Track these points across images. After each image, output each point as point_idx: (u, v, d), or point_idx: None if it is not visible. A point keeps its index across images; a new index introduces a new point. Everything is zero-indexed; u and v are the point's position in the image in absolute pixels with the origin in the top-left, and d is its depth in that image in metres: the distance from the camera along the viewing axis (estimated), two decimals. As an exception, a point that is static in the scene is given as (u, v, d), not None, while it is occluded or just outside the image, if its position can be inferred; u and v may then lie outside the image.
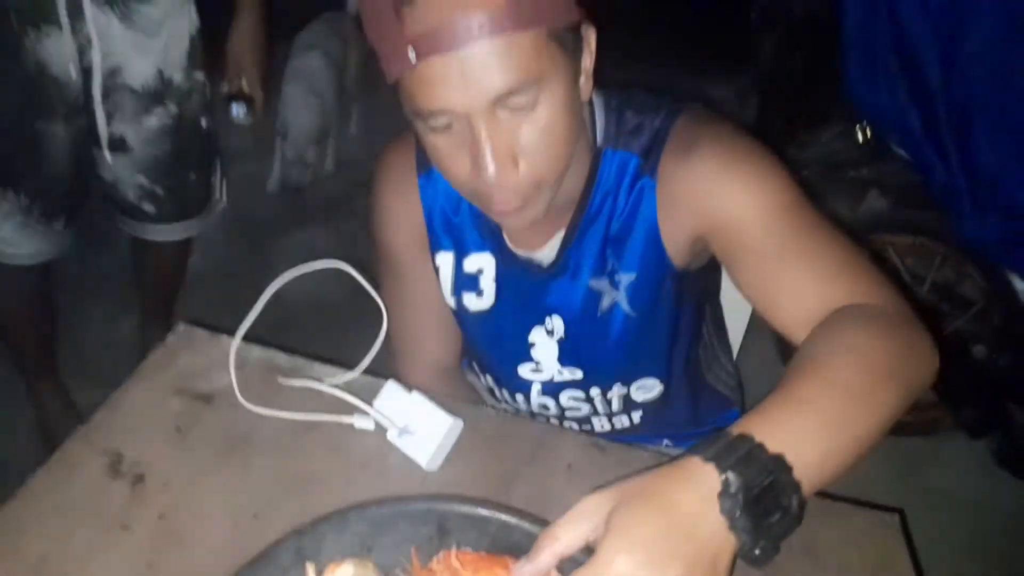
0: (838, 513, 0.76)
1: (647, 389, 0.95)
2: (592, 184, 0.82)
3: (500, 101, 0.64)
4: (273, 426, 0.78)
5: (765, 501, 0.50)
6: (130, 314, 1.98)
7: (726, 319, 1.11)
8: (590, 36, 0.72)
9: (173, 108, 1.45)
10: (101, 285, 2.21)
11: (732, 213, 0.75)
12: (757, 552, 0.50)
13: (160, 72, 1.41)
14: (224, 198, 1.68)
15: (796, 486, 0.51)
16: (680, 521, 0.49)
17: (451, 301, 0.93)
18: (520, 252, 0.87)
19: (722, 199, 0.75)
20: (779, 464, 0.51)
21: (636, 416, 0.98)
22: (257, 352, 0.87)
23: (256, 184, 2.89)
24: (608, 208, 0.82)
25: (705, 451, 0.52)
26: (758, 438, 0.52)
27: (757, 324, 1.19)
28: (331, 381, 0.82)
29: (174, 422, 0.78)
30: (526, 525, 0.62)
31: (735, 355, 1.17)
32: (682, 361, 0.96)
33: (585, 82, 0.73)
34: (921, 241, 1.88)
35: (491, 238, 0.88)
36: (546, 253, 0.86)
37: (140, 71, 1.39)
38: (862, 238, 1.96)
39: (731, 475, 0.49)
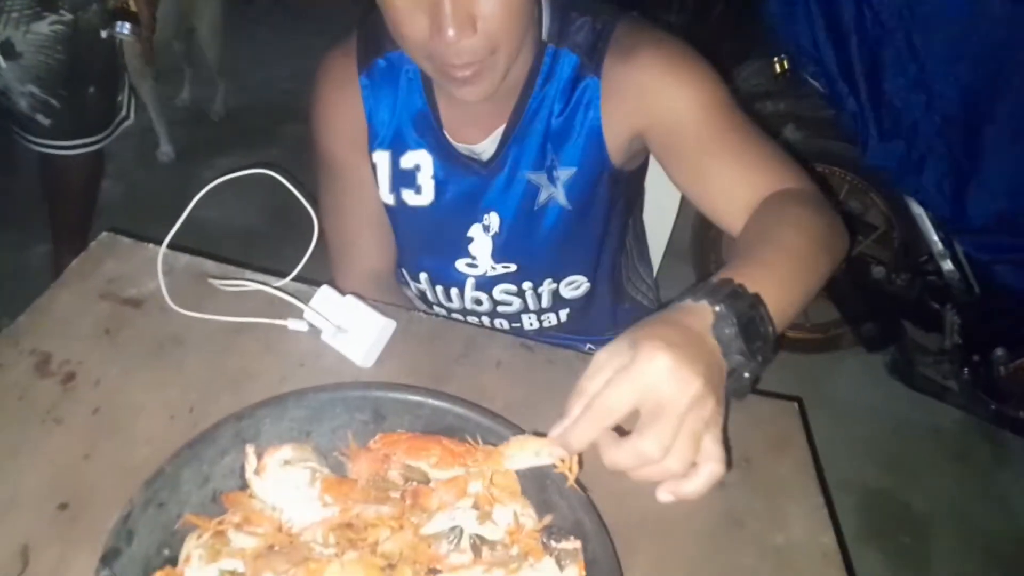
0: (744, 401, 0.82)
1: (575, 286, 1.00)
2: (535, 79, 0.85)
3: None
4: (205, 328, 0.79)
5: (750, 329, 0.57)
6: (42, 241, 1.89)
7: (650, 238, 1.16)
8: None
9: (67, 15, 1.38)
10: (9, 211, 2.10)
11: (672, 110, 0.81)
12: (746, 375, 0.58)
13: None
14: (132, 115, 1.61)
15: (771, 320, 0.60)
16: (693, 338, 0.56)
17: (389, 198, 0.95)
18: (460, 146, 0.90)
19: (663, 97, 0.81)
20: (758, 300, 0.59)
21: (563, 314, 1.03)
22: (185, 259, 0.86)
23: (174, 113, 2.78)
24: (548, 105, 0.86)
25: (694, 294, 0.59)
26: (737, 281, 0.60)
27: (676, 250, 1.26)
28: (265, 284, 0.82)
29: (103, 325, 0.77)
30: (458, 408, 0.66)
31: (656, 270, 1.23)
32: (608, 264, 1.01)
33: None
34: (832, 170, 1.98)
35: (430, 135, 0.90)
36: (486, 147, 0.89)
37: None
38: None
39: (722, 307, 0.57)
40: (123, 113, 1.59)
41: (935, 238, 1.75)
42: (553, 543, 0.56)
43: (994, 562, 1.74)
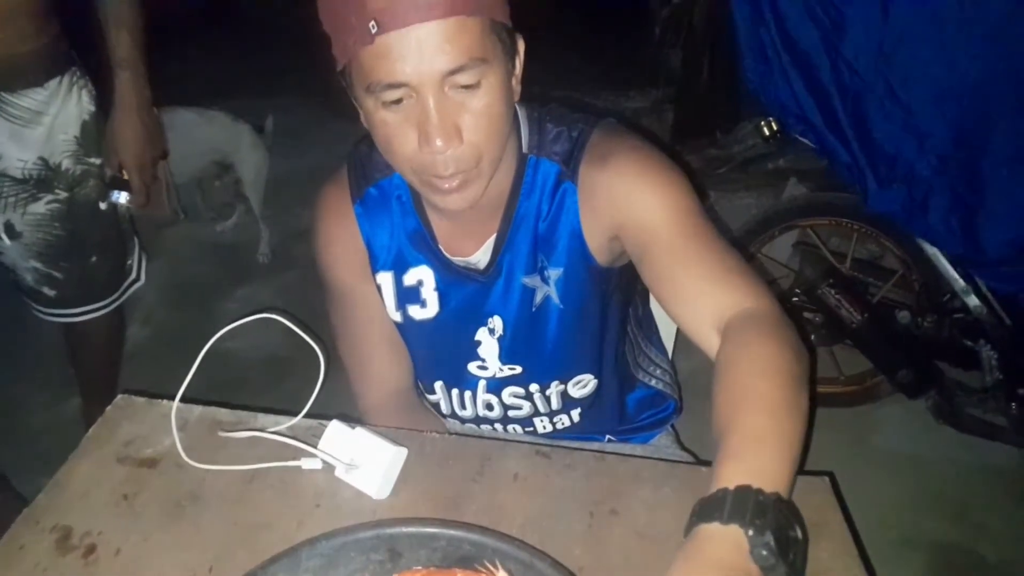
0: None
1: (582, 385, 1.00)
2: (519, 189, 0.89)
3: (449, 77, 0.72)
4: (221, 480, 0.79)
5: (783, 541, 0.56)
6: (73, 395, 1.94)
7: (659, 319, 1.16)
8: (520, 44, 0.81)
9: (63, 193, 1.43)
10: (39, 370, 2.17)
11: (642, 214, 0.83)
12: None
13: (44, 160, 1.39)
14: (143, 277, 1.65)
15: (795, 515, 0.59)
16: (734, 572, 0.54)
17: (397, 315, 0.98)
18: (456, 259, 0.93)
19: (634, 202, 0.84)
20: (779, 501, 0.59)
21: (575, 414, 1.03)
22: (198, 411, 0.88)
23: (190, 249, 2.89)
24: (534, 211, 0.89)
25: (720, 514, 0.58)
26: (754, 485, 0.59)
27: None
28: (275, 428, 0.83)
29: (121, 490, 0.78)
30: (473, 536, 0.65)
31: (672, 351, 1.22)
32: (612, 356, 1.02)
33: (516, 84, 0.81)
34: (838, 221, 1.97)
35: (427, 251, 0.94)
36: (480, 257, 0.92)
37: (18, 160, 1.38)
38: (787, 224, 2.06)
39: (754, 530, 0.56)
40: (132, 276, 1.63)
41: (954, 275, 1.71)
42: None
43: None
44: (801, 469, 0.81)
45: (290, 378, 2.08)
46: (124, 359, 1.81)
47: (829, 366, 2.08)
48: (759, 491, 0.58)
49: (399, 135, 0.76)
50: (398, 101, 0.73)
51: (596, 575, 0.67)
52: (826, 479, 0.83)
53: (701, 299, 0.79)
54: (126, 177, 1.43)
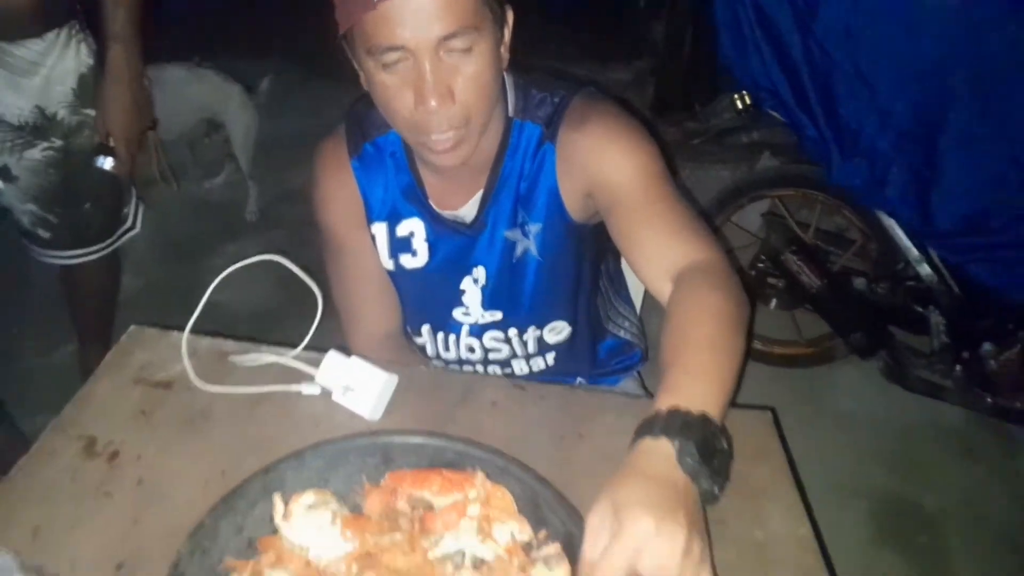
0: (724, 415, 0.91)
1: (558, 331, 1.10)
2: (504, 149, 0.97)
3: (443, 42, 0.79)
4: (229, 403, 0.88)
5: (707, 450, 0.65)
6: (65, 342, 2.00)
7: (629, 277, 1.26)
8: (509, 15, 0.89)
9: (58, 142, 1.48)
10: (36, 313, 2.23)
11: (611, 174, 0.92)
12: (716, 491, 0.66)
13: (40, 109, 1.44)
14: (138, 225, 1.72)
15: (720, 430, 0.68)
16: (664, 483, 0.63)
17: (389, 264, 1.06)
18: (445, 213, 1.01)
19: (605, 162, 0.93)
20: (706, 419, 0.67)
21: (550, 358, 1.12)
22: (207, 342, 0.97)
23: (179, 205, 2.94)
24: (517, 170, 0.98)
25: (652, 430, 0.66)
26: (684, 407, 0.68)
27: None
28: (279, 355, 0.92)
29: (139, 407, 0.87)
30: (457, 445, 0.74)
31: (640, 306, 1.32)
32: (585, 307, 1.12)
33: (504, 52, 0.89)
34: (804, 192, 2.08)
35: (419, 204, 1.02)
36: (467, 211, 1.01)
37: (15, 107, 1.43)
38: (755, 194, 2.16)
39: (680, 440, 0.65)
40: (128, 224, 1.69)
41: (909, 245, 1.82)
42: (535, 552, 0.64)
43: (1008, 549, 1.77)
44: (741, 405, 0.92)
45: (278, 330, 2.15)
46: (120, 307, 1.87)
47: (789, 329, 2.21)
48: (687, 411, 0.67)
49: (397, 96, 0.83)
50: (396, 63, 0.81)
51: (563, 486, 0.76)
52: (768, 413, 0.94)
53: (657, 252, 0.88)
54: (112, 145, 1.46)
